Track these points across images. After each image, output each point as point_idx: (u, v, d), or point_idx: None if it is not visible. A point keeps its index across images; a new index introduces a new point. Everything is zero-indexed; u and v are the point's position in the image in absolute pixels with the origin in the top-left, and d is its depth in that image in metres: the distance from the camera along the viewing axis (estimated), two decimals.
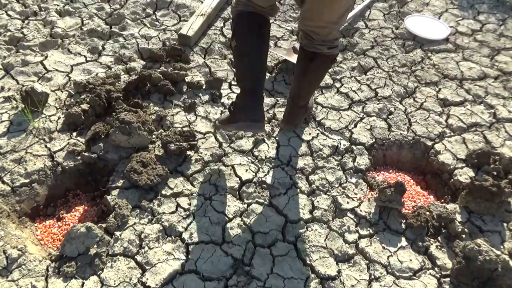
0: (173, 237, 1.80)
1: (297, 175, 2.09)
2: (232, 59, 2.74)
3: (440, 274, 1.75)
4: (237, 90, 2.53)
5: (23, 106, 2.23)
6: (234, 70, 2.17)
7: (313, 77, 2.04)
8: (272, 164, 2.13)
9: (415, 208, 1.98)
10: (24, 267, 1.66)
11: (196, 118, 2.35)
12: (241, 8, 1.80)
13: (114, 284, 1.64)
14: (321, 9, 1.74)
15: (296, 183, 2.05)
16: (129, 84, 2.40)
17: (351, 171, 2.13)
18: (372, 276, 1.73)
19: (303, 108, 2.24)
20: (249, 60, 1.80)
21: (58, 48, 2.72)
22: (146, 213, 1.89)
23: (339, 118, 2.39)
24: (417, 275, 1.75)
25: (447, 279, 1.73)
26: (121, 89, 2.37)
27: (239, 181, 2.04)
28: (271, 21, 3.08)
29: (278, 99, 2.48)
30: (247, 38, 1.80)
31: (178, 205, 1.92)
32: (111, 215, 1.84)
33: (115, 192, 1.95)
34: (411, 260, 1.79)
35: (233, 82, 2.58)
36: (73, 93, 2.42)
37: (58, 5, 3.05)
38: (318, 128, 2.34)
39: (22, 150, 2.08)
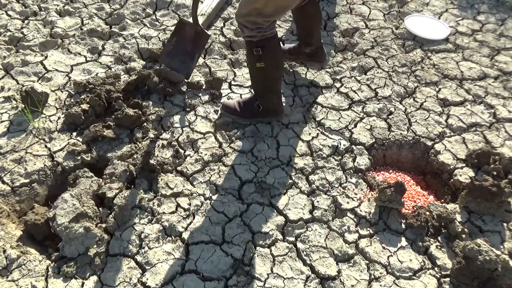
0: (173, 237, 1.81)
1: (297, 175, 2.09)
2: (232, 60, 2.74)
3: (440, 274, 1.75)
4: (237, 90, 2.53)
5: (23, 106, 2.24)
6: (256, 83, 2.23)
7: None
8: (272, 164, 2.13)
9: (415, 208, 1.98)
10: (24, 267, 1.66)
11: (196, 118, 2.35)
12: (265, 32, 1.98)
13: (114, 284, 1.64)
14: None
15: (296, 183, 2.05)
16: (129, 85, 2.40)
17: (351, 171, 2.13)
18: (372, 276, 1.73)
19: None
20: (278, 76, 2.21)
21: (58, 48, 2.72)
22: (146, 213, 1.89)
23: (339, 118, 2.39)
24: (417, 275, 1.75)
25: (447, 279, 1.74)
26: (121, 89, 2.37)
27: (239, 181, 2.04)
28: None
29: None
30: (278, 61, 2.15)
31: (178, 205, 1.93)
32: (111, 215, 1.84)
33: (115, 192, 1.95)
34: (411, 260, 1.79)
35: (233, 82, 2.58)
36: (73, 93, 2.42)
37: (58, 5, 3.05)
38: (318, 128, 2.34)
39: (22, 150, 2.08)
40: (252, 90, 2.38)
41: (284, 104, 2.38)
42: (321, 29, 2.76)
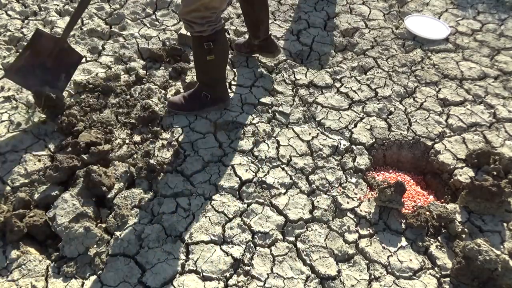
0: (173, 237, 1.80)
1: (297, 175, 2.09)
2: (232, 60, 2.74)
3: (440, 274, 1.75)
4: (237, 90, 2.53)
5: (39, 110, 2.19)
6: (205, 75, 2.25)
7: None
8: (272, 164, 2.13)
9: (415, 208, 1.98)
10: (24, 267, 1.66)
11: (196, 118, 2.35)
12: (215, 25, 2.02)
13: (114, 284, 1.64)
14: None
15: (296, 183, 2.05)
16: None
17: (351, 171, 2.13)
18: (372, 276, 1.73)
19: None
20: (225, 65, 2.28)
21: None
22: (146, 213, 1.89)
23: (339, 118, 2.39)
24: (417, 275, 1.75)
25: (447, 279, 1.74)
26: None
27: (239, 181, 2.04)
28: (272, 21, 3.08)
29: (278, 98, 2.48)
30: (226, 52, 2.22)
31: (178, 205, 1.92)
32: (111, 215, 1.84)
33: (115, 191, 1.95)
34: (411, 260, 1.79)
35: (233, 82, 2.58)
36: (73, 93, 2.42)
37: (58, 5, 3.05)
38: (318, 128, 2.34)
39: (22, 150, 2.08)
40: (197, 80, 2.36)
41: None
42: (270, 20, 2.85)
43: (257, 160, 2.15)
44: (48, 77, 2.10)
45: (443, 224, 1.90)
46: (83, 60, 2.66)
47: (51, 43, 2.12)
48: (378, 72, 2.73)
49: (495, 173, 2.05)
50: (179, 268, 1.70)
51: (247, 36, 2.80)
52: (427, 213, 1.93)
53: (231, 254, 1.76)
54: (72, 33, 2.82)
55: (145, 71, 2.61)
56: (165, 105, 2.37)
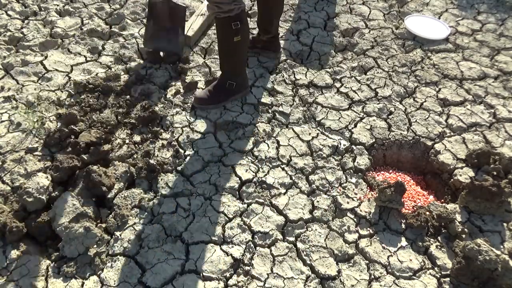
0: (173, 237, 1.81)
1: (297, 175, 2.09)
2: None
3: (440, 274, 1.75)
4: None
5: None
6: (231, 60, 2.30)
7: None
8: (272, 164, 2.13)
9: (415, 208, 1.98)
10: (24, 267, 1.66)
11: (196, 118, 2.35)
12: (241, 5, 2.08)
13: (114, 284, 1.64)
14: None
15: (296, 183, 2.05)
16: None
17: (351, 171, 2.13)
18: (372, 276, 1.73)
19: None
20: (247, 48, 2.36)
21: (58, 48, 2.72)
22: (146, 213, 1.89)
23: (339, 118, 2.39)
24: (417, 275, 1.75)
25: (447, 279, 1.74)
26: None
27: (239, 181, 2.04)
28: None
29: (278, 98, 2.48)
30: (248, 33, 2.25)
31: (178, 205, 1.93)
32: (111, 215, 1.84)
33: (115, 191, 1.95)
34: (411, 260, 1.79)
35: None
36: (73, 93, 2.42)
37: (58, 5, 3.05)
38: (318, 128, 2.34)
39: (22, 150, 2.08)
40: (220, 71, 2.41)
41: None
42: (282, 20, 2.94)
43: (257, 160, 2.15)
44: (171, 35, 2.42)
45: (443, 224, 1.90)
46: (84, 60, 2.66)
47: (162, 7, 2.39)
48: (378, 72, 2.73)
49: (495, 173, 2.05)
50: (179, 268, 1.70)
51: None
52: (427, 213, 1.93)
53: (231, 254, 1.76)
54: (72, 33, 2.83)
55: (145, 71, 2.62)
56: (191, 102, 2.39)
